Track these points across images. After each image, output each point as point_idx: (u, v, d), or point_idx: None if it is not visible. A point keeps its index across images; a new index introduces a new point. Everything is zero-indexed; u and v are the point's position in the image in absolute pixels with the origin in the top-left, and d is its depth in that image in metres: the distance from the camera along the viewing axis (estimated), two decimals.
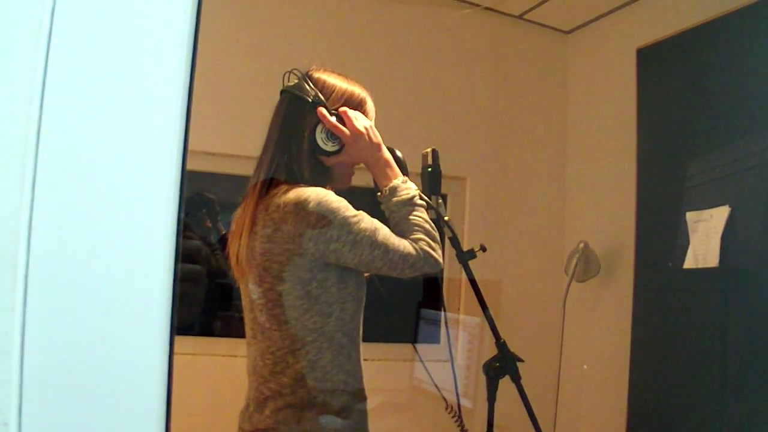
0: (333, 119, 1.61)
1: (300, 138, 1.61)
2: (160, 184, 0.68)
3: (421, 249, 1.57)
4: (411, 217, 1.61)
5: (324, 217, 1.51)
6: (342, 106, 1.64)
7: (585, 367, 3.50)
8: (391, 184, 1.65)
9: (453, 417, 1.86)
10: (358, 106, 1.67)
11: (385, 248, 1.54)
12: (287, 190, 1.54)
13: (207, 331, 3.23)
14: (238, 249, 1.59)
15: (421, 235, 1.59)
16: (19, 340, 0.62)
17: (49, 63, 0.65)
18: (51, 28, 0.65)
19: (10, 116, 0.64)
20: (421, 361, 1.92)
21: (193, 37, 0.70)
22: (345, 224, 1.52)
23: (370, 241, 1.53)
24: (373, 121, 1.71)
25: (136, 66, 0.70)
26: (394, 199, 1.63)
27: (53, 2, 0.65)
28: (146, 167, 0.68)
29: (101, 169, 0.67)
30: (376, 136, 1.66)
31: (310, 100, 1.61)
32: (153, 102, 0.69)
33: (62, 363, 0.65)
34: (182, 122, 0.68)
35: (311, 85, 1.63)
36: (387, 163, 1.67)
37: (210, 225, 3.13)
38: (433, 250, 1.59)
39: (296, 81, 1.66)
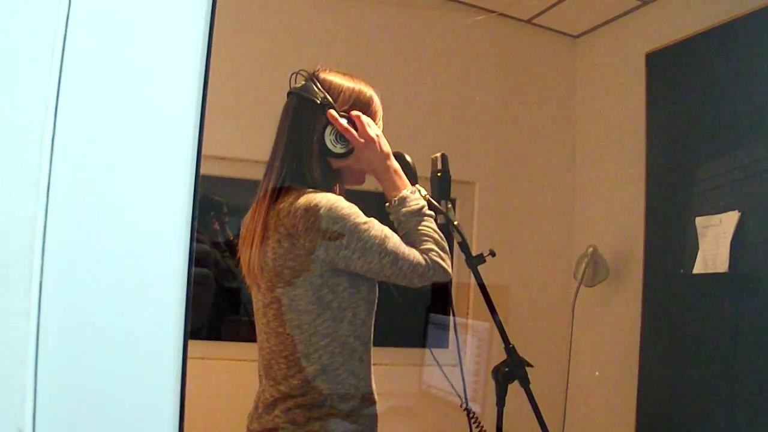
0: (344, 122, 1.61)
1: (309, 140, 1.61)
2: (174, 189, 0.68)
3: (431, 259, 1.57)
4: (420, 227, 1.61)
5: (334, 224, 1.50)
6: (351, 107, 1.63)
7: (597, 373, 3.50)
8: (400, 195, 1.64)
9: (472, 417, 1.86)
10: (366, 106, 1.66)
11: (395, 257, 1.54)
12: (298, 196, 1.53)
13: (216, 334, 3.24)
14: (250, 255, 1.59)
15: (431, 245, 1.59)
16: (34, 346, 0.63)
17: (64, 70, 0.65)
18: (65, 35, 0.65)
19: (25, 123, 0.65)
20: (438, 364, 1.91)
21: (207, 42, 0.71)
22: (355, 231, 1.51)
23: (380, 249, 1.52)
24: (381, 119, 1.71)
25: (149, 71, 0.70)
26: (404, 209, 1.62)
27: (68, 9, 0.65)
28: (160, 173, 0.69)
29: (115, 174, 0.67)
30: (386, 145, 1.66)
31: (318, 101, 1.60)
32: (167, 107, 0.69)
33: (76, 368, 0.65)
34: (196, 127, 0.68)
35: (319, 86, 1.63)
36: (395, 172, 1.66)
37: (218, 228, 3.13)
38: (443, 260, 1.59)
39: (303, 82, 1.65)
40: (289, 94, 1.67)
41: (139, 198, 0.68)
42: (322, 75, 1.65)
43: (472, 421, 1.86)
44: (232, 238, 3.08)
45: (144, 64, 0.69)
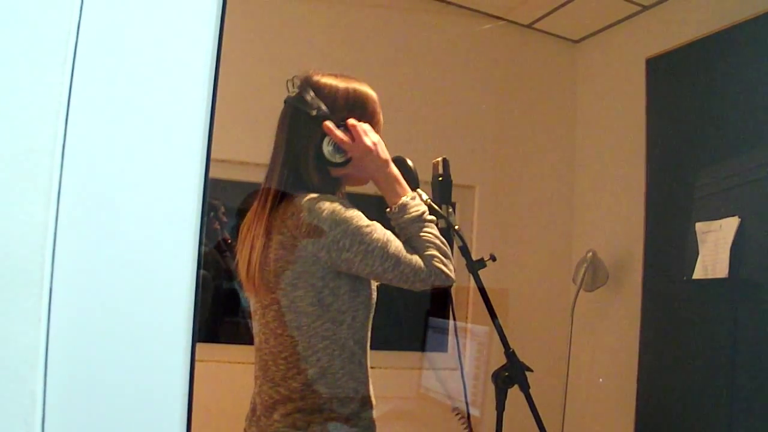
0: (340, 133, 1.59)
1: (307, 151, 1.59)
2: (183, 194, 0.68)
3: (433, 265, 1.56)
4: (422, 233, 1.60)
5: (336, 227, 1.50)
6: (348, 110, 1.61)
7: (601, 380, 3.50)
8: (400, 201, 1.62)
9: (461, 420, 1.86)
10: (363, 107, 1.64)
11: (396, 261, 1.53)
12: (301, 199, 1.53)
13: (213, 337, 3.23)
14: (250, 257, 1.59)
15: (433, 251, 1.58)
16: (44, 350, 0.63)
17: (75, 76, 0.66)
18: (77, 42, 0.65)
19: (36, 129, 0.65)
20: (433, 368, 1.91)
21: (217, 47, 0.71)
22: (357, 234, 1.51)
23: (382, 252, 1.52)
24: (381, 116, 1.69)
25: (159, 78, 0.70)
26: (405, 216, 1.61)
27: (79, 15, 0.65)
28: (169, 178, 0.69)
29: (125, 180, 0.68)
30: (384, 152, 1.64)
31: (314, 113, 1.59)
32: (176, 113, 0.69)
33: (85, 372, 0.65)
34: (205, 133, 0.68)
35: (312, 94, 1.61)
36: (395, 179, 1.65)
37: (218, 227, 3.13)
38: (445, 266, 1.58)
39: (297, 90, 1.62)
40: (285, 102, 1.65)
41: (149, 203, 0.68)
42: (315, 78, 1.63)
43: (462, 423, 1.86)
44: (229, 240, 3.08)
45: (153, 70, 0.69)
